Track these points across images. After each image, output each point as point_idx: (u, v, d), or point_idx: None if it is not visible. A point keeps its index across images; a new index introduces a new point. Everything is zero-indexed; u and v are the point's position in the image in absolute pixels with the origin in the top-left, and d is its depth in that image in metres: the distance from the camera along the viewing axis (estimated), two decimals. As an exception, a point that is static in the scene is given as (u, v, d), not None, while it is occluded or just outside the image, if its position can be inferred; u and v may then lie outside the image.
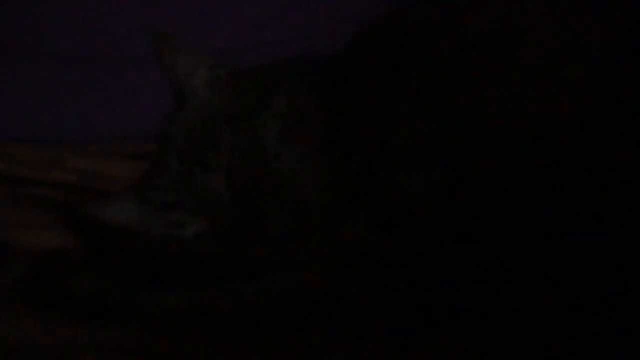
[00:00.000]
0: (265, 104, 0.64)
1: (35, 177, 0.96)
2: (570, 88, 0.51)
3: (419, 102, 0.57)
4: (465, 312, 0.52)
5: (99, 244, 0.73)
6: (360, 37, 0.67)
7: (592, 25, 0.54)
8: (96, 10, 1.20)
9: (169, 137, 0.67)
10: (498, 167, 0.52)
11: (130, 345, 0.53)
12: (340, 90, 0.64)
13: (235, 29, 1.23)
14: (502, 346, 0.50)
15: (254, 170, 0.62)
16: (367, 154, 0.59)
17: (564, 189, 0.50)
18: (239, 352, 0.52)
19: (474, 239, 0.52)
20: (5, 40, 1.19)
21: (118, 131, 1.15)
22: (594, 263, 0.49)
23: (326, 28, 1.22)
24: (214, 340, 0.53)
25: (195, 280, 0.61)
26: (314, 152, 0.62)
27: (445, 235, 0.53)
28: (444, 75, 0.56)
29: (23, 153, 1.06)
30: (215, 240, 0.63)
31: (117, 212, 0.70)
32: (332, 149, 0.61)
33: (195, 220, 0.64)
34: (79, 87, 1.18)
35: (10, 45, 1.19)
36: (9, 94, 1.17)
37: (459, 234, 0.52)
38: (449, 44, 0.58)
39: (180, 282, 0.61)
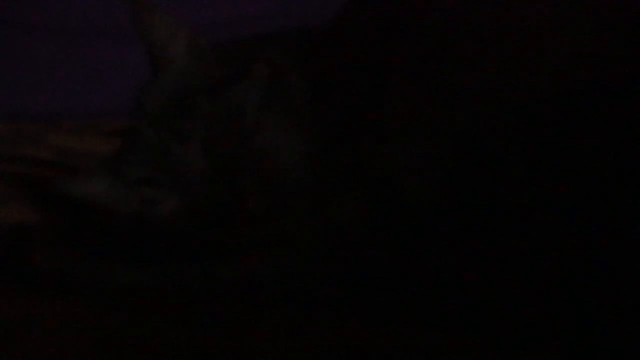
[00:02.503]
0: (246, 72, 0.61)
1: (9, 153, 0.95)
2: (565, 58, 0.50)
3: (408, 72, 0.55)
4: (457, 292, 0.51)
5: (67, 220, 0.71)
6: (349, 6, 0.64)
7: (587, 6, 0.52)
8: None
9: (143, 107, 0.64)
10: (489, 138, 0.50)
11: (90, 321, 0.50)
12: (325, 60, 0.61)
13: (221, 1, 1.21)
14: (497, 331, 0.49)
15: (232, 141, 0.59)
16: (354, 124, 0.56)
17: (554, 165, 0.48)
18: (209, 333, 0.49)
19: (464, 212, 0.50)
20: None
21: (94, 107, 1.14)
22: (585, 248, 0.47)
23: (315, 2, 1.20)
24: (183, 320, 0.51)
25: (169, 257, 0.58)
26: (297, 123, 0.59)
27: (436, 208, 0.51)
28: (434, 44, 0.55)
29: (0, 129, 1.05)
30: (191, 218, 0.60)
31: (88, 188, 0.67)
32: (317, 119, 0.59)
33: (170, 196, 0.61)
34: (54, 63, 1.17)
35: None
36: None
37: (450, 206, 0.51)
38: (439, 13, 0.56)
39: (152, 259, 0.58)
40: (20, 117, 1.12)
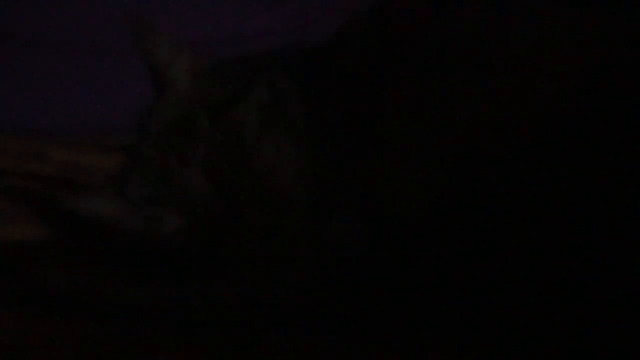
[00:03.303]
0: (246, 94, 0.63)
1: (14, 168, 0.96)
2: (557, 86, 0.51)
3: (403, 97, 0.56)
4: (453, 311, 0.52)
5: (75, 238, 0.72)
6: (346, 29, 0.65)
7: (581, 23, 0.53)
8: (78, 1, 1.19)
9: (146, 129, 0.65)
10: (483, 165, 0.51)
11: (98, 340, 0.52)
12: (324, 82, 0.62)
13: (224, 18, 1.23)
14: (494, 347, 0.50)
15: (233, 161, 0.61)
16: (350, 148, 0.57)
17: (546, 190, 0.49)
18: (212, 352, 0.51)
19: (457, 234, 0.51)
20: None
21: (98, 123, 1.14)
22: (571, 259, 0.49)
23: (317, 18, 1.21)
24: (187, 339, 0.52)
25: (173, 276, 0.60)
26: (296, 145, 0.60)
27: (429, 230, 0.52)
28: (429, 69, 0.55)
29: (3, 144, 1.05)
30: (194, 236, 0.62)
31: (95, 206, 0.68)
32: (315, 141, 0.60)
33: (173, 215, 0.62)
34: (59, 78, 1.18)
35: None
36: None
37: (442, 229, 0.52)
38: (434, 38, 0.57)
39: (158, 278, 0.60)
40: (24, 132, 1.12)
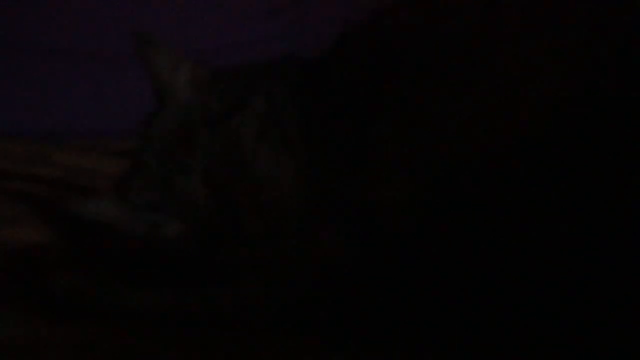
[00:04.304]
0: (243, 105, 0.64)
1: (19, 171, 0.97)
2: (543, 101, 0.51)
3: (394, 109, 0.57)
4: (442, 322, 0.53)
5: (79, 241, 0.74)
6: (340, 41, 0.67)
7: (570, 38, 0.53)
8: (81, 7, 1.20)
9: (148, 138, 0.67)
10: (467, 179, 0.52)
11: (99, 342, 0.54)
12: (319, 93, 0.64)
13: (221, 28, 1.23)
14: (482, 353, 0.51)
15: (231, 171, 0.62)
16: (342, 158, 0.59)
17: (529, 203, 0.50)
18: (211, 354, 0.52)
19: (444, 249, 0.52)
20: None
21: (102, 127, 1.15)
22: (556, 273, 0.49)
23: (314, 28, 1.21)
24: (186, 341, 0.54)
25: (173, 280, 0.61)
26: (291, 154, 0.62)
27: (416, 244, 0.53)
28: (419, 82, 0.57)
29: (7, 147, 1.06)
30: (193, 241, 0.63)
31: (99, 211, 0.70)
32: (309, 151, 0.61)
33: (174, 221, 0.64)
34: (63, 83, 1.18)
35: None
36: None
37: (429, 241, 0.53)
38: (425, 50, 0.58)
39: (158, 282, 0.61)
40: (28, 135, 1.13)
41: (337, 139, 0.60)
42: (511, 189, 0.51)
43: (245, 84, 0.67)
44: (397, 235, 0.54)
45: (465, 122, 0.53)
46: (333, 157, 0.60)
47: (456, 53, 0.56)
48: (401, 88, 0.57)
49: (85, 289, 0.61)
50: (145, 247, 0.66)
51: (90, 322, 0.57)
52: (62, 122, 1.17)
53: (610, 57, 0.51)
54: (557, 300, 0.49)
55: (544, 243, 0.49)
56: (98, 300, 0.60)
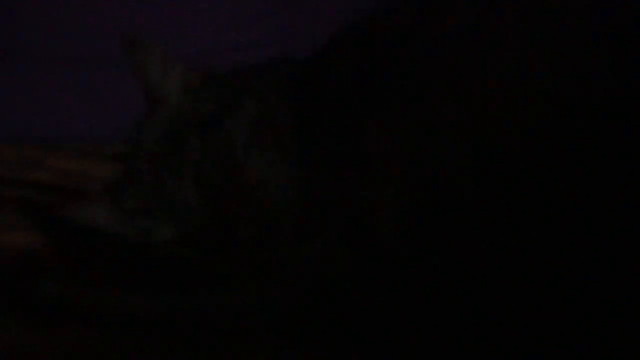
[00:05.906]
0: (235, 109, 0.64)
1: (12, 176, 0.97)
2: (540, 102, 0.51)
3: (386, 113, 0.57)
4: (436, 329, 0.53)
5: (72, 245, 0.73)
6: (333, 43, 0.67)
7: (569, 38, 0.53)
8: (74, 11, 1.20)
9: (140, 142, 0.66)
10: (462, 181, 0.52)
11: (94, 347, 0.54)
12: (311, 96, 0.63)
13: (213, 30, 1.23)
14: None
15: (223, 174, 0.62)
16: (335, 161, 0.59)
17: (524, 208, 0.50)
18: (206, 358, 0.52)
19: (438, 253, 0.52)
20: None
21: (95, 132, 1.15)
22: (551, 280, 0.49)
23: (307, 30, 1.21)
24: (178, 347, 0.54)
25: (165, 285, 0.61)
26: (283, 158, 0.62)
27: (410, 249, 0.53)
28: (412, 85, 0.56)
29: (1, 153, 1.06)
30: (185, 245, 0.63)
31: (92, 215, 0.70)
32: (302, 155, 0.61)
33: (166, 226, 0.64)
34: (57, 88, 1.18)
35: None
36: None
37: (423, 248, 0.53)
38: (418, 52, 0.58)
39: (151, 287, 0.61)
40: (22, 140, 1.13)
41: (330, 142, 0.60)
42: (507, 191, 0.51)
43: (237, 87, 0.67)
44: (392, 239, 0.54)
45: (460, 123, 0.53)
46: (326, 160, 0.59)
47: (451, 54, 0.56)
48: (394, 90, 0.57)
49: (79, 292, 0.61)
50: (138, 253, 0.66)
51: (83, 328, 0.57)
52: (56, 127, 1.16)
53: (610, 57, 0.51)
54: (557, 300, 0.49)
55: (543, 243, 0.49)
56: (90, 306, 0.60)
